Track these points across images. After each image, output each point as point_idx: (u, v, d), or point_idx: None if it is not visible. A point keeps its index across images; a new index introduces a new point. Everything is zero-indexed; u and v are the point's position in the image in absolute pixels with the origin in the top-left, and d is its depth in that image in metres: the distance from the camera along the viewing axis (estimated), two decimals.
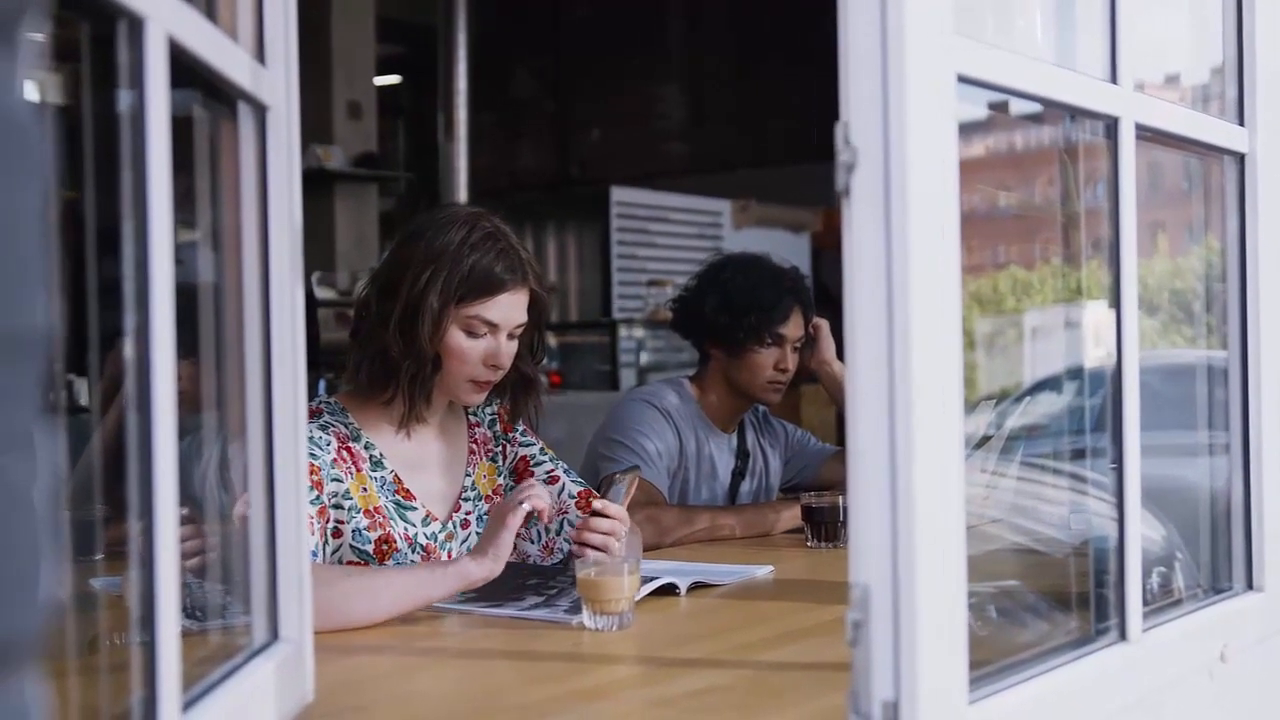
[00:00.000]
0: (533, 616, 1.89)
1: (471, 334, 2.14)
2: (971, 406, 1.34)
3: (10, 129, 0.53)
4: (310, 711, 1.40)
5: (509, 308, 2.16)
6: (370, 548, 2.12)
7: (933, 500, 1.15)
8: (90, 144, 1.06)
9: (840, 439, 4.33)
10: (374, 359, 2.15)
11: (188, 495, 1.09)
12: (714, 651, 1.73)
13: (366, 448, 2.17)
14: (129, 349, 0.99)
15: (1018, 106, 1.53)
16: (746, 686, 1.55)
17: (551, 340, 7.56)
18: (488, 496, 2.31)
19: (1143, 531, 1.53)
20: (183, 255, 1.09)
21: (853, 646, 1.16)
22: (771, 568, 2.32)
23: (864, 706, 1.16)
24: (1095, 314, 1.85)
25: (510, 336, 2.18)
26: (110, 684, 1.23)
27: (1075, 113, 1.52)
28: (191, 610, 1.32)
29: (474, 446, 2.33)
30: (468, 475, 2.29)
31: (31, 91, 0.56)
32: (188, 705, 1.08)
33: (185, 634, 1.05)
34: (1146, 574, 1.58)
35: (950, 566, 1.18)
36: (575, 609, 1.87)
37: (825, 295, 5.99)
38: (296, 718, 1.37)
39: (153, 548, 0.99)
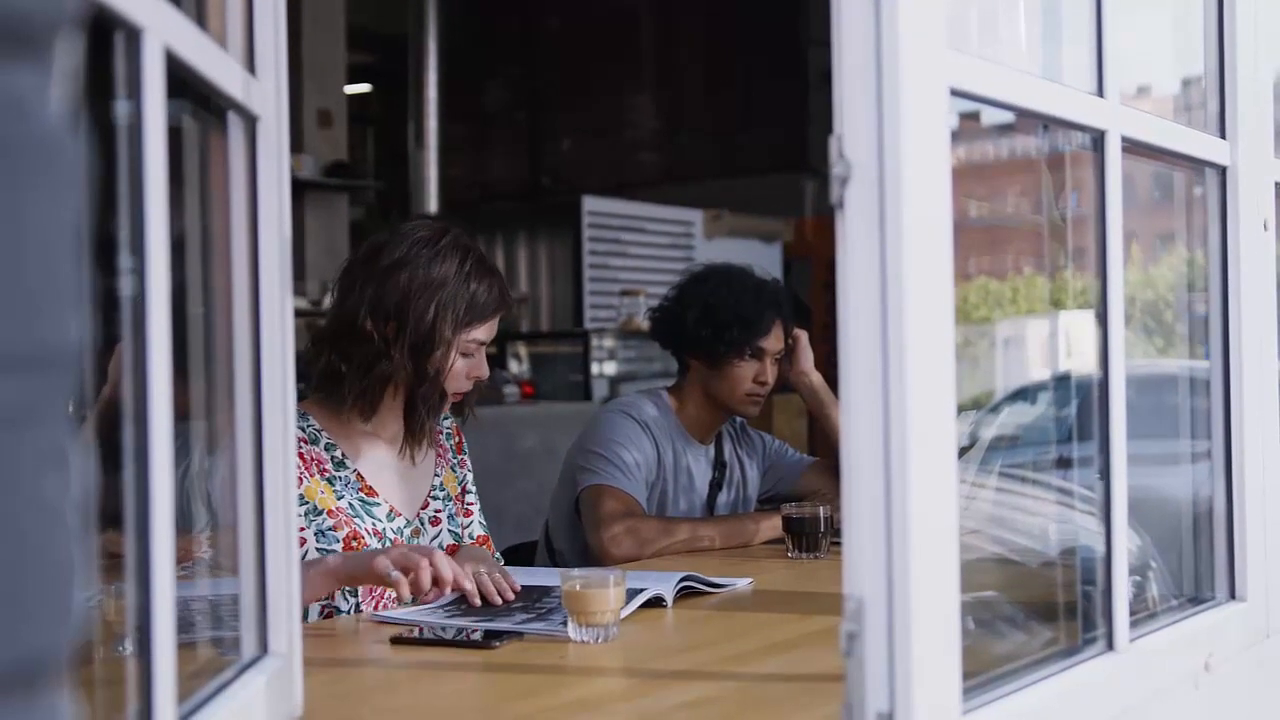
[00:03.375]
0: (527, 630, 1.88)
1: (465, 355, 2.25)
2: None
3: (46, 145, 0.53)
4: None
5: (495, 326, 2.29)
6: (339, 546, 2.17)
7: (927, 512, 1.15)
8: (84, 154, 1.05)
9: (813, 449, 4.34)
10: (379, 383, 2.21)
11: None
12: (701, 663, 1.73)
13: (327, 449, 2.22)
14: (126, 359, 0.98)
15: (989, 117, 1.54)
16: (737, 698, 1.55)
17: (523, 350, 7.55)
18: (456, 498, 2.39)
19: None
20: (170, 265, 1.08)
21: (847, 658, 1.16)
22: (751, 580, 2.32)
23: (858, 717, 1.16)
24: (1069, 324, 1.87)
25: (487, 349, 2.30)
26: (98, 698, 1.22)
27: (1063, 125, 1.53)
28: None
29: (440, 450, 2.40)
30: (436, 475, 2.37)
31: (65, 106, 0.56)
32: None
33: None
34: None
35: (945, 578, 1.19)
36: (555, 623, 1.87)
37: (796, 306, 5.99)
38: None
39: (148, 561, 0.98)
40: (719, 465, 3.08)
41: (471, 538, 2.35)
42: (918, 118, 1.15)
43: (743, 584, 2.29)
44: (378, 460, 2.27)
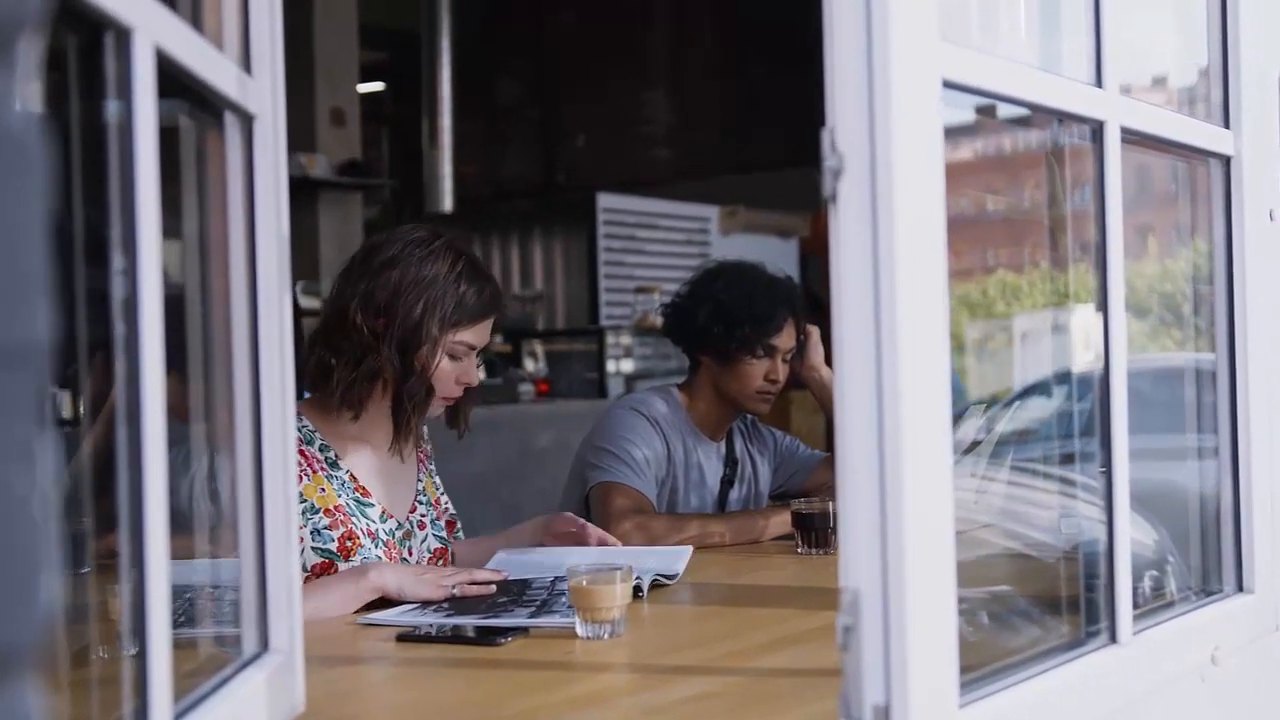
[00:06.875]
0: (535, 624, 1.88)
1: (453, 357, 2.26)
2: (961, 411, 1.34)
3: (10, 143, 0.53)
4: None
5: (487, 332, 2.30)
6: (334, 546, 2.19)
7: (922, 504, 1.15)
8: (75, 154, 1.05)
9: (829, 445, 4.32)
10: (366, 378, 2.22)
11: (175, 508, 1.09)
12: (706, 659, 1.73)
13: (322, 450, 2.25)
14: (118, 361, 0.98)
15: (1004, 110, 1.54)
16: (739, 693, 1.55)
17: (538, 348, 7.55)
18: (435, 502, 2.42)
19: (1134, 536, 1.53)
20: (167, 266, 1.08)
21: (843, 651, 1.16)
22: (690, 548, 2.38)
23: (855, 711, 1.16)
24: (1084, 318, 1.86)
25: (479, 355, 2.32)
26: (97, 696, 1.23)
27: (1061, 117, 1.52)
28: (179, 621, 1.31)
29: (421, 456, 2.44)
30: (419, 481, 2.40)
31: (30, 103, 0.56)
32: (178, 716, 1.07)
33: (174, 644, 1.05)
34: (1138, 578, 1.58)
35: (940, 570, 1.18)
36: (571, 613, 1.86)
37: (813, 301, 5.97)
38: None
39: (143, 560, 0.99)
40: (730, 462, 3.08)
41: (429, 551, 2.36)
42: (909, 110, 1.15)
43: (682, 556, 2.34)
44: (367, 463, 2.30)
